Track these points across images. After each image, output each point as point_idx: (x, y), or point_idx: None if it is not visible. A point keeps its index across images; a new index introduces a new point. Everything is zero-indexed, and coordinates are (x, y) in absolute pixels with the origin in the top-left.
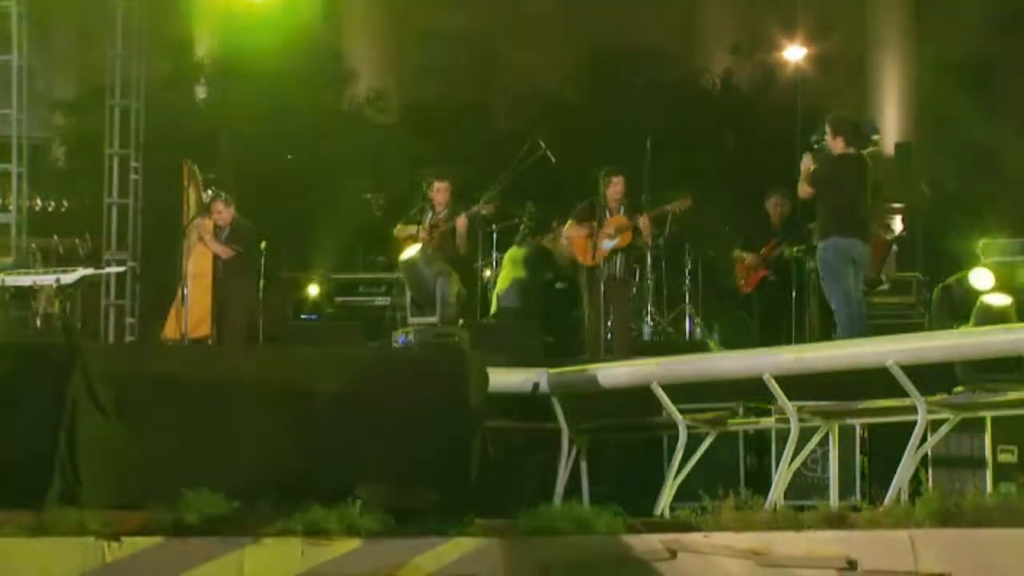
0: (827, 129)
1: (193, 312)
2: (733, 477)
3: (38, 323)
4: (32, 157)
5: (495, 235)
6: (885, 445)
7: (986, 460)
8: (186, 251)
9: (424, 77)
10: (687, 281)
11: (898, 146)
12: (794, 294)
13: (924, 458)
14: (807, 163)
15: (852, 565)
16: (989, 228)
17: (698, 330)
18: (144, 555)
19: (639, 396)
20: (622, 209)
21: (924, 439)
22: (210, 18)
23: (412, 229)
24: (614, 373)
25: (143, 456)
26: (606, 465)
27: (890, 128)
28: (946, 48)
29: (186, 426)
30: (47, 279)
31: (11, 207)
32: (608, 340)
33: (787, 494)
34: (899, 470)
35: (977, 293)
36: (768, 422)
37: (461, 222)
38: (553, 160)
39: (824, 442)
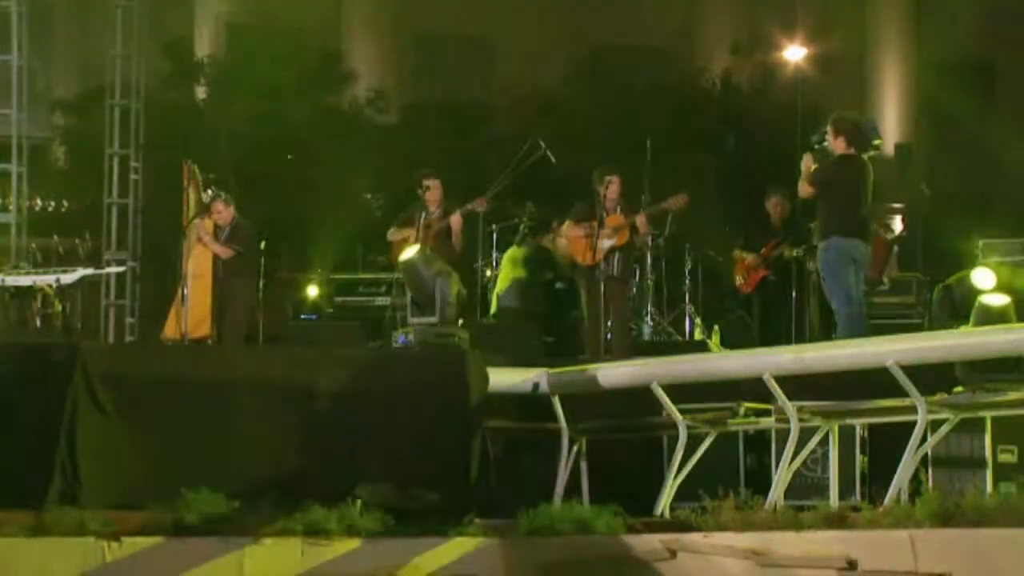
0: (829, 129)
1: (193, 312)
2: (733, 477)
3: (38, 323)
4: (32, 157)
5: (495, 235)
6: (885, 445)
7: (986, 460)
8: (186, 251)
9: (424, 77)
10: (687, 281)
11: (898, 146)
12: (794, 294)
13: (924, 458)
14: (807, 163)
15: (852, 565)
16: (989, 228)
17: (698, 330)
18: (144, 555)
19: (639, 396)
20: (619, 209)
21: (924, 439)
22: (210, 18)
23: (405, 232)
24: (614, 373)
25: (143, 456)
26: (606, 465)
27: (890, 128)
28: (946, 48)
29: (186, 426)
30: (47, 279)
31: (11, 207)
32: (608, 340)
33: (787, 494)
34: (899, 470)
35: (978, 293)
36: (768, 422)
37: (455, 220)
38: (553, 160)
39: (824, 442)
